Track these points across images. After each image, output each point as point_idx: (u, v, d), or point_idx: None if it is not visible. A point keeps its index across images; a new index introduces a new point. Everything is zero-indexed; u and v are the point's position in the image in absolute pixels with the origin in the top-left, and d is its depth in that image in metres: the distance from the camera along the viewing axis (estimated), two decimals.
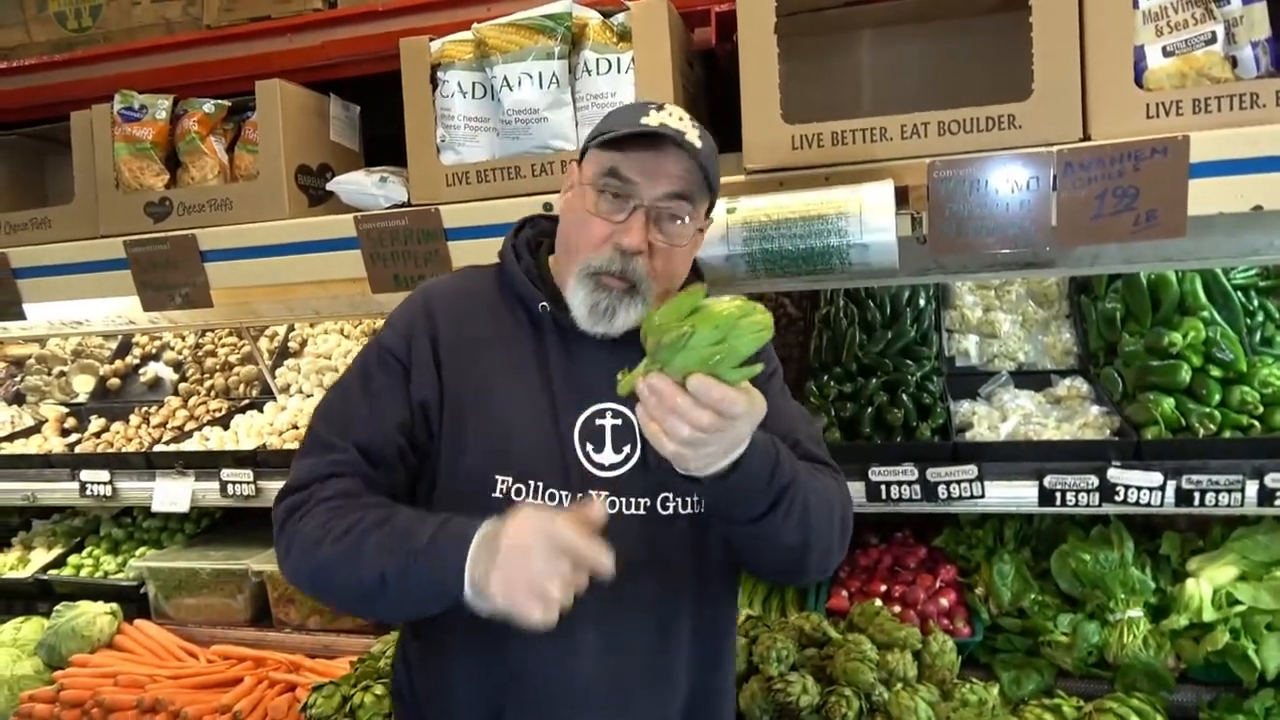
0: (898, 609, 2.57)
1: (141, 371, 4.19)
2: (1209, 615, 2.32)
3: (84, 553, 3.58)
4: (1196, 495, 2.17)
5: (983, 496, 2.30)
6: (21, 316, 2.63)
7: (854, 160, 1.88)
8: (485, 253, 2.08)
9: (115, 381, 4.18)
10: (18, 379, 4.42)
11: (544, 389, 1.51)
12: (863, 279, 2.48)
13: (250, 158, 2.44)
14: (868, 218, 1.76)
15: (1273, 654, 2.23)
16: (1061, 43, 1.75)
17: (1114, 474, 2.20)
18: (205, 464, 3.06)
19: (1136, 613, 2.40)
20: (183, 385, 3.98)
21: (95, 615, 3.14)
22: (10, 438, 3.78)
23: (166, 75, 2.60)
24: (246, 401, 3.78)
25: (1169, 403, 2.37)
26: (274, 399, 3.67)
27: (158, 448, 3.35)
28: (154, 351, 4.29)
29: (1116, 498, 2.20)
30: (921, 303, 3.15)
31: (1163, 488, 2.18)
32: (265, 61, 2.50)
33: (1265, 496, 2.15)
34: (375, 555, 1.32)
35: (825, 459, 1.58)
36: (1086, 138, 1.76)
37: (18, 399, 4.30)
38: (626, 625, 1.51)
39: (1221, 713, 2.24)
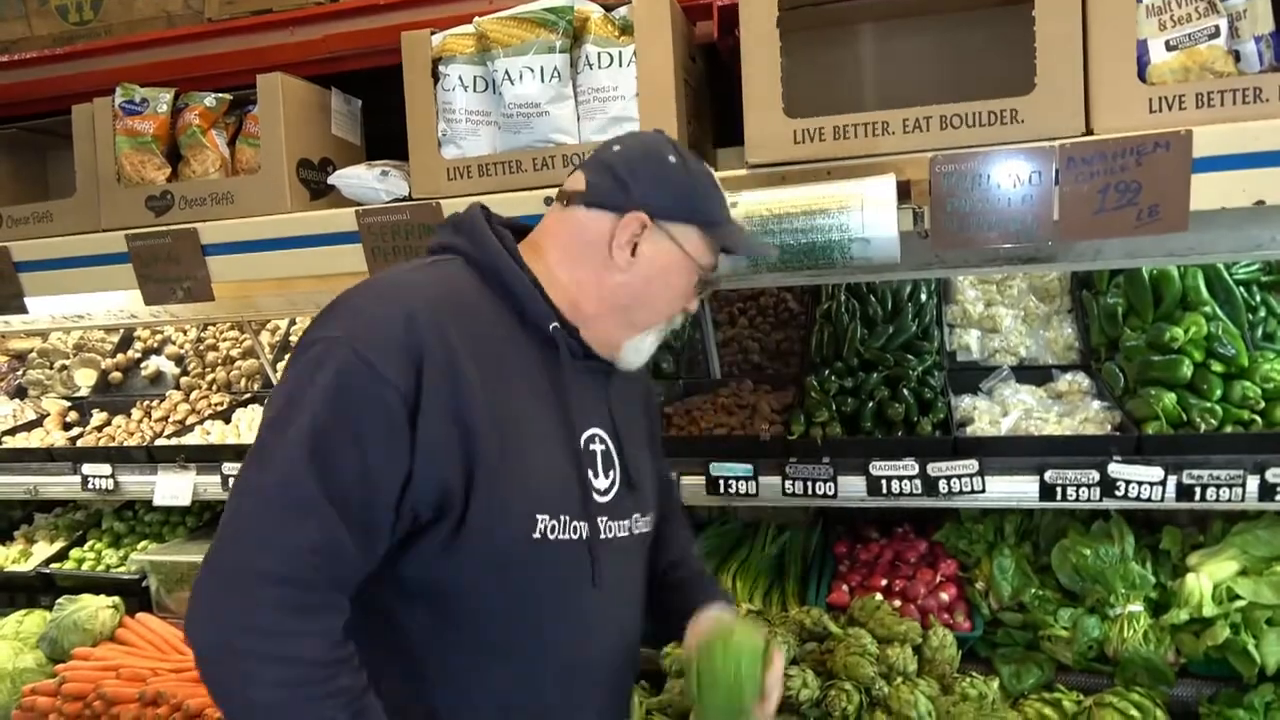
0: (898, 603, 2.57)
1: (143, 365, 4.20)
2: (1209, 610, 2.32)
3: (86, 546, 3.59)
4: (1197, 490, 2.17)
5: (983, 491, 2.30)
6: (23, 310, 2.63)
7: (856, 155, 1.87)
8: None
9: (117, 375, 4.19)
10: (19, 373, 4.42)
11: (561, 416, 1.47)
12: (864, 273, 2.49)
13: (252, 151, 2.44)
14: (869, 212, 1.75)
15: (1273, 649, 2.24)
16: (1064, 36, 1.75)
17: (1115, 469, 2.20)
18: (207, 458, 3.07)
19: (1137, 607, 2.41)
20: (184, 379, 3.99)
21: (97, 609, 3.15)
22: (12, 431, 3.79)
23: (168, 69, 2.60)
24: (248, 395, 3.78)
25: (1170, 398, 2.37)
26: None
27: (159, 441, 3.35)
28: (156, 345, 4.30)
29: (1117, 493, 2.21)
30: (923, 298, 3.15)
31: (1164, 483, 2.18)
32: (266, 55, 2.50)
33: (1266, 491, 2.15)
34: None
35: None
36: (1089, 132, 1.76)
37: (20, 393, 4.31)
38: (614, 640, 1.58)
39: (1221, 707, 2.24)
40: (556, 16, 2.04)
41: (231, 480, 2.92)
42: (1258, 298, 2.78)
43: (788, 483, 2.41)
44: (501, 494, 1.35)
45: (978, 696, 2.29)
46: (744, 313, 3.48)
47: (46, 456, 3.35)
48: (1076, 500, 2.25)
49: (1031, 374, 2.86)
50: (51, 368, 4.37)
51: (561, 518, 1.42)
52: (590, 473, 1.49)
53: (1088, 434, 2.41)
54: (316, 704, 1.22)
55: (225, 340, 4.16)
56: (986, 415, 2.60)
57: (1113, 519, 2.59)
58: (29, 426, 3.84)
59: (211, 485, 3.01)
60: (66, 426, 3.82)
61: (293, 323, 3.99)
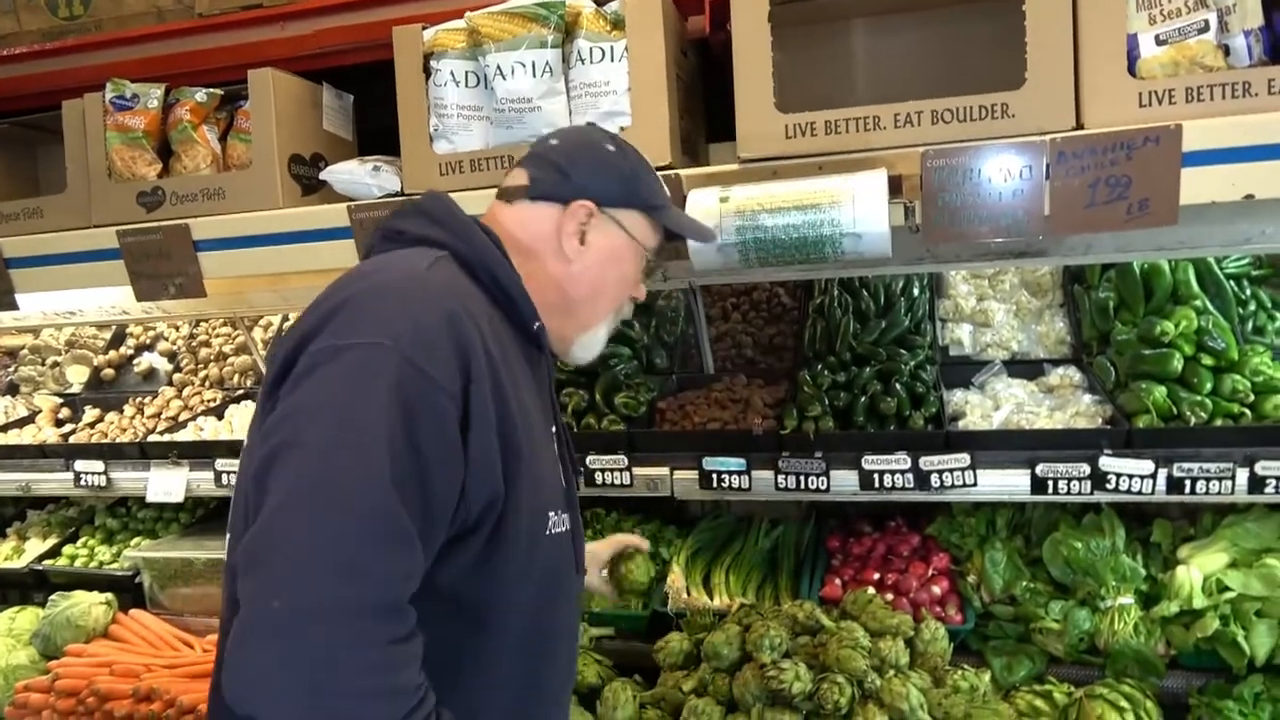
0: (890, 597, 2.58)
1: (135, 362, 4.18)
2: (1199, 602, 2.34)
3: (79, 543, 3.58)
4: (1187, 483, 2.18)
5: (975, 485, 2.31)
6: (14, 306, 2.62)
7: (847, 149, 1.88)
8: None
9: (109, 372, 4.17)
10: (11, 369, 4.41)
11: (550, 414, 1.55)
12: (856, 268, 2.49)
13: (243, 147, 2.44)
14: (861, 207, 1.76)
15: (1262, 640, 2.25)
16: (1055, 31, 1.75)
17: (1106, 462, 2.21)
18: (200, 454, 3.06)
19: (1127, 600, 2.42)
20: (177, 376, 3.98)
21: (90, 605, 3.15)
22: (4, 428, 3.78)
23: (158, 64, 2.59)
24: (241, 392, 3.77)
25: (1161, 391, 2.38)
26: None
27: (152, 438, 3.34)
28: (148, 342, 4.28)
29: (1108, 486, 2.21)
30: (915, 292, 3.16)
31: (1154, 476, 2.19)
32: (257, 50, 2.49)
33: (1255, 484, 2.15)
34: None
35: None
36: (1079, 126, 1.76)
37: (11, 389, 4.30)
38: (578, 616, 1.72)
39: (1211, 699, 2.25)
40: (548, 11, 2.04)
41: (224, 477, 2.94)
42: (1248, 291, 2.79)
43: (780, 477, 2.41)
44: (527, 495, 1.36)
45: (969, 689, 2.30)
46: (737, 307, 3.49)
47: (39, 453, 3.34)
48: (1067, 494, 2.25)
49: (1023, 368, 2.87)
50: (43, 364, 4.36)
51: (558, 511, 1.48)
52: (567, 465, 1.58)
53: (1079, 427, 2.42)
54: None
55: (218, 336, 4.15)
56: (978, 409, 2.60)
57: (1104, 512, 2.60)
58: (21, 423, 3.82)
59: (205, 481, 3.00)
60: (59, 423, 3.81)
61: (285, 319, 3.98)
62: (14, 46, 2.83)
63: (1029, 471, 2.27)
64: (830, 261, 1.85)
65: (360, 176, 2.23)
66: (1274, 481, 2.14)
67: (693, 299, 3.15)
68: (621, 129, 2.04)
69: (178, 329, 4.28)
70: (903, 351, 2.86)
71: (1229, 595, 2.33)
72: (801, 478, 2.40)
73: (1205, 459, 2.18)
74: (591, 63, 2.06)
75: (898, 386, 2.61)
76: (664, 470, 2.52)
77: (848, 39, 2.24)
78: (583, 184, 1.49)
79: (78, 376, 4.24)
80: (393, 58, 2.18)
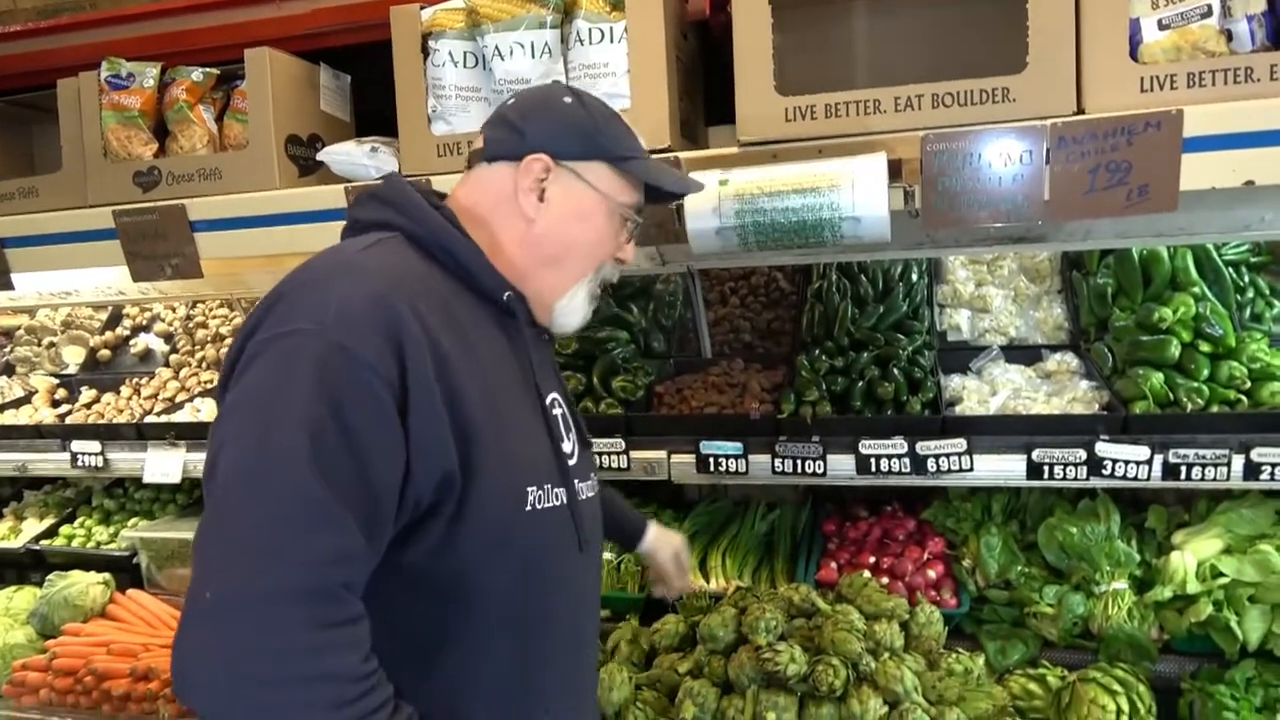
0: (886, 580, 2.59)
1: (132, 343, 4.17)
2: (1193, 587, 2.35)
3: (76, 523, 3.59)
4: (1183, 469, 2.18)
5: (971, 470, 2.31)
6: (10, 286, 2.61)
7: (847, 133, 1.87)
8: None
9: (105, 353, 4.16)
10: (7, 350, 4.40)
11: (529, 386, 1.47)
12: (855, 253, 2.49)
13: (240, 127, 2.42)
14: (860, 191, 1.75)
15: (1255, 625, 2.26)
16: (1056, 15, 1.74)
17: (1102, 448, 2.22)
18: (197, 435, 3.06)
19: (1121, 585, 2.43)
20: (174, 357, 3.97)
21: (88, 585, 3.15)
22: (0, 409, 3.77)
23: (154, 43, 2.57)
24: None
25: (1158, 378, 2.38)
26: None
27: (149, 419, 3.34)
28: (144, 323, 4.27)
29: (1104, 471, 2.22)
30: (914, 277, 3.16)
31: (1150, 461, 2.19)
32: (254, 29, 2.47)
33: (1251, 470, 2.16)
34: None
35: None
36: (1080, 111, 1.76)
37: (7, 370, 4.29)
38: (595, 599, 1.67)
39: (1203, 683, 2.27)
40: None
41: None
42: (1246, 278, 2.79)
43: (777, 461, 2.42)
44: (495, 471, 1.32)
45: (964, 672, 2.32)
46: (735, 292, 3.48)
47: (35, 434, 3.34)
48: (1063, 479, 2.26)
49: (1021, 354, 2.87)
50: (39, 345, 4.35)
51: (545, 486, 1.43)
52: (558, 439, 1.51)
53: (1075, 413, 2.43)
54: None
55: (215, 318, 4.14)
56: (975, 394, 2.61)
57: (1099, 498, 2.61)
58: (17, 404, 3.82)
59: (201, 463, 2.99)
60: (55, 404, 3.81)
61: None
62: (9, 24, 2.81)
63: (1025, 457, 2.27)
64: (829, 245, 1.85)
65: (357, 157, 2.22)
66: (1269, 468, 2.15)
67: (691, 283, 3.14)
68: (621, 111, 2.02)
69: (174, 310, 4.26)
70: (901, 337, 2.86)
71: (1222, 581, 2.34)
72: (798, 462, 2.41)
73: (1201, 445, 2.18)
74: (590, 44, 2.05)
75: (895, 372, 2.61)
76: (661, 454, 2.53)
77: (848, 22, 2.22)
78: (535, 138, 1.44)
79: (74, 357, 4.23)
80: (390, 38, 2.16)
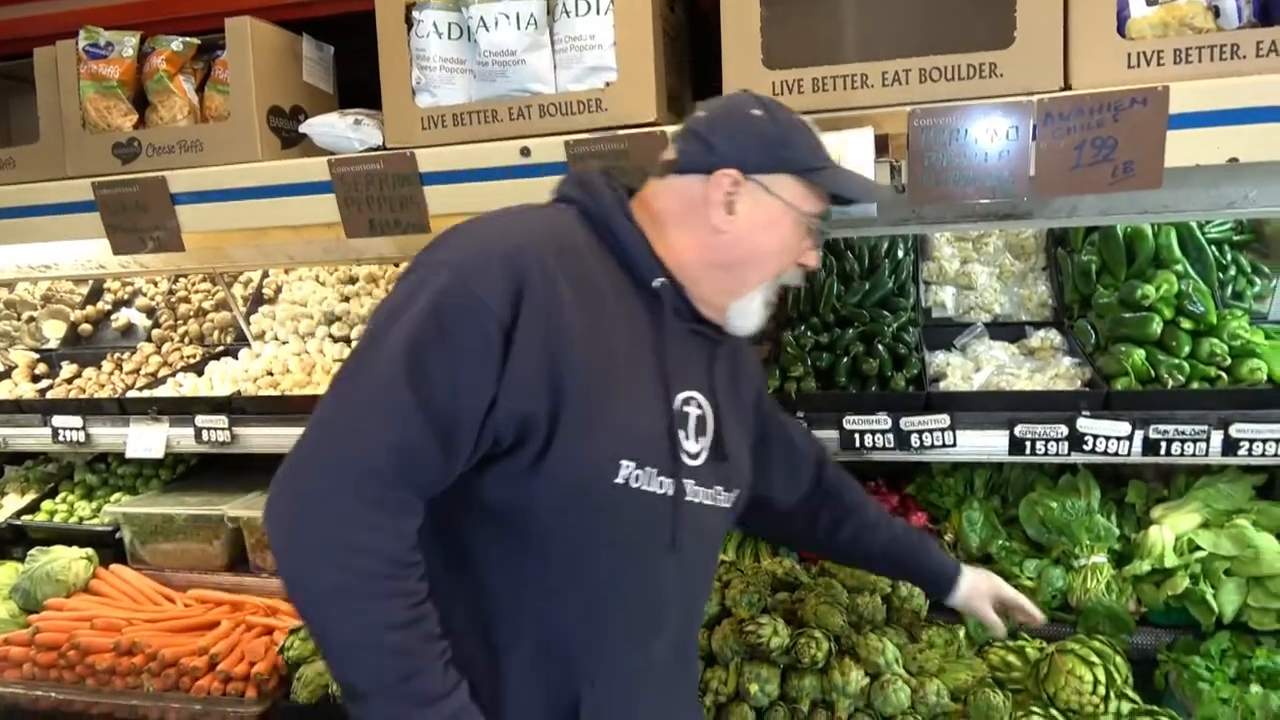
0: None
1: (113, 317, 4.13)
2: (1170, 561, 2.38)
3: (58, 499, 3.57)
4: (1163, 445, 2.21)
5: (954, 445, 2.33)
6: None
7: (834, 107, 1.86)
8: (462, 198, 2.07)
9: (87, 328, 4.13)
10: None
11: (659, 369, 1.48)
12: (841, 228, 2.48)
13: (221, 98, 2.39)
14: (847, 165, 1.74)
15: (1230, 598, 2.30)
16: None
17: (1083, 424, 2.24)
18: (180, 410, 3.04)
19: (1100, 559, 2.46)
20: (156, 331, 3.94)
21: (70, 560, 3.14)
22: None
23: (133, 11, 2.52)
24: (221, 348, 3.74)
25: (1139, 354, 2.40)
26: (249, 346, 3.64)
27: (131, 394, 3.32)
28: (126, 297, 4.23)
29: (1085, 447, 2.24)
30: (900, 254, 3.16)
31: (1130, 437, 2.22)
32: None
33: (1229, 446, 2.19)
34: (380, 669, 1.27)
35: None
36: (1067, 86, 1.75)
37: None
38: (684, 605, 1.63)
39: (1179, 654, 2.31)
40: None
41: (205, 433, 2.93)
42: (1229, 256, 2.81)
43: None
44: (586, 433, 1.36)
45: (944, 644, 2.35)
46: None
47: (15, 408, 3.31)
48: (1045, 454, 2.28)
49: (1005, 331, 2.89)
50: (19, 319, 4.30)
51: (648, 469, 1.42)
52: (681, 433, 1.49)
53: (1057, 389, 2.45)
54: (380, 599, 1.27)
55: (197, 292, 4.10)
56: (959, 371, 2.62)
57: (1080, 473, 2.64)
58: None
59: (185, 438, 2.98)
60: (35, 379, 3.78)
61: (265, 274, 3.94)
62: None
63: (1008, 433, 2.29)
64: None
65: (341, 130, 2.20)
66: (1247, 444, 2.18)
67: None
68: (606, 84, 2.01)
69: (156, 285, 4.22)
70: (886, 313, 2.87)
71: (1199, 555, 2.37)
72: None
73: (1181, 421, 2.21)
74: (577, 16, 2.03)
75: (880, 348, 2.62)
76: None
77: None
78: (724, 152, 1.47)
79: (54, 332, 4.19)
80: (374, 8, 2.13)
